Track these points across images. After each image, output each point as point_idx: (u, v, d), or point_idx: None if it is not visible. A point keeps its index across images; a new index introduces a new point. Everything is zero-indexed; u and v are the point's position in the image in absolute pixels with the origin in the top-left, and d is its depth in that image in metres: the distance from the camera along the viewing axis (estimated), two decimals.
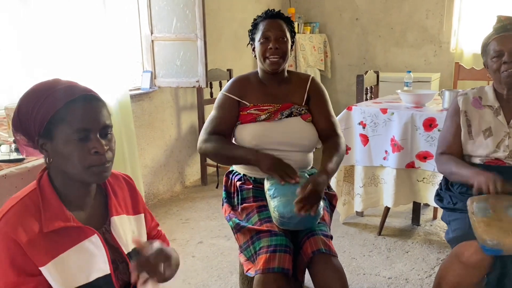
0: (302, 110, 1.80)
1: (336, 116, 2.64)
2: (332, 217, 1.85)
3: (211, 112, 1.84)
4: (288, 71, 1.87)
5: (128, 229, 1.15)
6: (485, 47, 1.72)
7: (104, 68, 2.70)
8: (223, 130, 1.77)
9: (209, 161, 3.63)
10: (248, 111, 1.77)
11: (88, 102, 1.01)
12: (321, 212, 1.61)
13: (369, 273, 2.26)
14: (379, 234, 2.70)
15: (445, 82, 4.30)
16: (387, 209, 2.70)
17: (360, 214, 2.99)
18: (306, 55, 4.50)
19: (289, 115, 1.78)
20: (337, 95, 4.95)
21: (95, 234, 1.05)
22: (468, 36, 4.18)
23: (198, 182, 3.79)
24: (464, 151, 1.75)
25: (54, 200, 1.02)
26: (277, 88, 1.82)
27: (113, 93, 2.74)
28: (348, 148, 2.68)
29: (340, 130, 1.84)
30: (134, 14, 3.28)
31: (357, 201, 2.69)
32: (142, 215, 1.23)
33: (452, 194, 1.76)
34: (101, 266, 1.04)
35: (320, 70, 4.78)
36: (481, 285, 1.58)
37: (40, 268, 0.96)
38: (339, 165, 1.75)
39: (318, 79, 4.64)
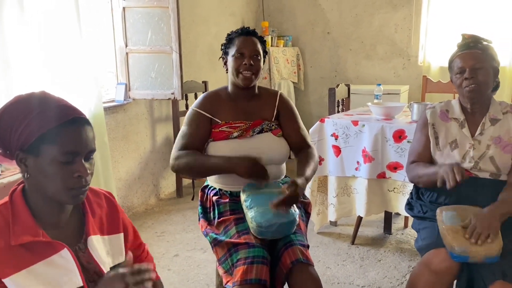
0: (273, 125, 1.85)
1: (310, 128, 2.72)
2: (307, 226, 1.89)
3: (181, 128, 1.85)
4: (258, 87, 1.92)
5: (103, 250, 1.14)
6: (450, 64, 1.81)
7: (76, 80, 2.68)
8: (195, 146, 1.79)
9: (188, 177, 3.62)
10: (220, 129, 1.80)
11: (80, 125, 1.02)
12: (297, 220, 1.65)
13: (343, 282, 2.31)
14: (353, 243, 2.76)
15: (413, 94, 4.45)
16: (359, 219, 2.76)
17: (334, 223, 3.05)
18: (280, 68, 4.58)
19: (260, 131, 1.82)
20: (310, 106, 5.05)
21: (65, 249, 1.04)
22: (435, 50, 4.34)
23: (173, 195, 3.78)
24: (433, 162, 1.83)
25: (24, 215, 1.02)
26: (248, 104, 1.86)
27: (86, 105, 2.72)
28: (321, 159, 2.74)
29: (310, 141, 1.90)
30: (108, 27, 3.28)
31: (331, 210, 2.75)
32: (121, 235, 1.21)
33: (423, 203, 1.83)
34: (74, 280, 1.04)
35: (293, 83, 4.86)
36: None
37: (3, 280, 0.96)
38: (314, 173, 1.80)
39: (291, 91, 4.78)
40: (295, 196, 1.59)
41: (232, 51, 1.81)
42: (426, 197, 1.83)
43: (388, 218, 2.93)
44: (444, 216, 1.61)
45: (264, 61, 1.87)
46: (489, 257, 1.48)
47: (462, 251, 1.50)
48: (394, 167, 2.50)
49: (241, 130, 1.80)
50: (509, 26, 4.00)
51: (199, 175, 1.91)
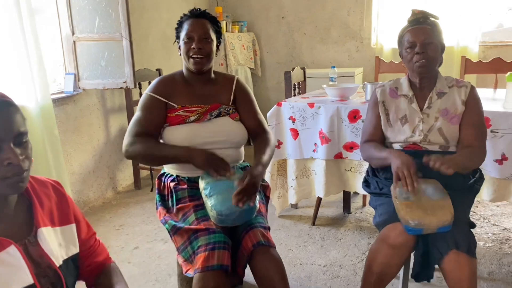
0: (230, 109, 1.82)
1: (267, 112, 2.71)
2: (267, 208, 1.88)
3: (135, 113, 1.79)
4: (214, 72, 1.88)
5: (54, 242, 1.08)
6: (400, 39, 1.83)
7: (22, 71, 2.54)
8: (150, 132, 1.74)
9: (142, 164, 3.54)
10: (176, 113, 1.75)
11: (1, 109, 0.94)
12: (257, 205, 1.64)
13: (305, 263, 2.33)
14: (313, 224, 2.79)
15: (367, 75, 4.53)
16: (319, 200, 2.80)
17: (295, 206, 3.07)
18: (236, 54, 4.53)
19: (218, 115, 1.79)
20: (268, 92, 5.04)
21: (12, 245, 0.98)
22: (387, 32, 4.43)
23: (131, 187, 3.68)
24: (386, 139, 1.87)
25: None
26: (204, 88, 1.82)
27: (32, 96, 2.58)
28: (280, 143, 2.74)
29: (267, 126, 1.90)
30: (53, 14, 3.11)
31: (291, 193, 2.76)
32: (73, 225, 1.16)
33: (379, 180, 1.87)
34: (23, 278, 0.98)
35: (250, 69, 4.83)
36: (407, 263, 1.69)
37: None
38: (272, 158, 1.79)
39: (249, 77, 4.75)
40: (254, 186, 1.57)
41: (182, 35, 1.76)
42: (382, 174, 1.86)
43: (347, 198, 2.98)
44: (398, 192, 1.65)
45: (218, 44, 1.83)
46: (441, 226, 1.53)
47: (416, 224, 1.54)
48: (350, 147, 2.53)
49: (198, 114, 1.76)
50: (456, 9, 4.13)
51: (153, 163, 1.86)
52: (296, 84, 3.14)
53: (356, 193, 3.27)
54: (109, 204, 3.36)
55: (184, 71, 1.84)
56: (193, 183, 1.75)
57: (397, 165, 1.65)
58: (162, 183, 1.83)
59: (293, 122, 2.66)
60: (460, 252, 1.55)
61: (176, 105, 1.77)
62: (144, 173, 3.72)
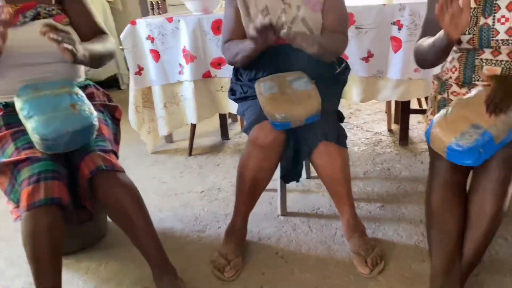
0: (53, 10, 1.45)
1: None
2: (116, 134, 1.59)
3: None
4: None
5: None
6: None
7: None
8: None
9: None
10: None
11: None
12: (96, 123, 1.35)
13: (181, 192, 2.11)
14: (190, 154, 2.58)
15: None
16: (193, 127, 2.57)
17: (170, 140, 2.82)
18: None
19: (35, 18, 1.41)
20: None
21: None
22: None
23: None
24: (247, 35, 1.67)
25: None
26: None
27: None
28: (140, 69, 2.42)
29: (108, 32, 1.58)
30: None
31: (161, 124, 2.49)
32: None
33: (242, 83, 1.68)
34: None
35: (108, 2, 4.28)
36: (279, 163, 1.57)
37: None
38: (103, 58, 1.49)
39: (108, 13, 4.21)
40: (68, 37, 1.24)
41: None
42: (245, 77, 1.68)
43: (224, 124, 2.80)
44: (263, 87, 1.48)
45: None
46: (309, 116, 1.40)
47: (283, 118, 1.40)
48: (218, 63, 2.31)
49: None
50: None
51: None
52: (154, 3, 2.78)
53: (235, 121, 3.12)
54: None
55: None
56: (11, 107, 1.38)
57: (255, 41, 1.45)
58: None
59: (152, 42, 2.34)
60: (330, 143, 1.45)
61: None
62: None
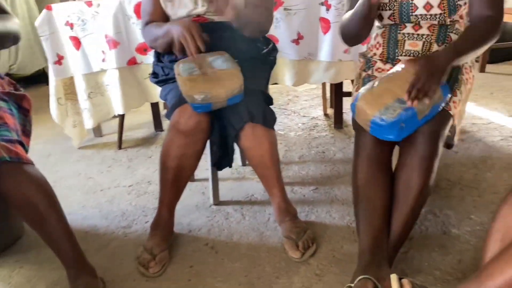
0: None
1: None
2: (25, 125, 1.44)
3: None
4: None
5: None
6: None
7: None
8: None
9: None
10: None
11: None
12: None
13: (107, 187, 1.98)
14: (120, 148, 2.43)
15: None
16: (122, 119, 2.42)
17: (99, 134, 2.65)
18: None
19: None
20: None
21: None
22: None
23: None
24: (168, 18, 1.57)
25: None
26: None
27: None
28: (60, 57, 2.24)
29: (6, 7, 1.42)
30: None
31: (86, 116, 2.33)
32: None
33: (164, 65, 1.59)
34: None
35: None
36: (209, 150, 1.48)
37: None
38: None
39: (31, 2, 3.91)
40: None
41: None
42: (166, 58, 1.58)
43: (157, 114, 2.67)
44: (181, 68, 1.39)
45: None
46: (231, 96, 1.33)
47: (203, 99, 1.31)
48: (144, 49, 2.18)
49: None
50: None
51: None
52: None
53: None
54: None
55: None
56: None
57: (177, 32, 1.37)
58: None
59: (72, 28, 2.17)
60: (256, 124, 1.38)
61: None
62: None
